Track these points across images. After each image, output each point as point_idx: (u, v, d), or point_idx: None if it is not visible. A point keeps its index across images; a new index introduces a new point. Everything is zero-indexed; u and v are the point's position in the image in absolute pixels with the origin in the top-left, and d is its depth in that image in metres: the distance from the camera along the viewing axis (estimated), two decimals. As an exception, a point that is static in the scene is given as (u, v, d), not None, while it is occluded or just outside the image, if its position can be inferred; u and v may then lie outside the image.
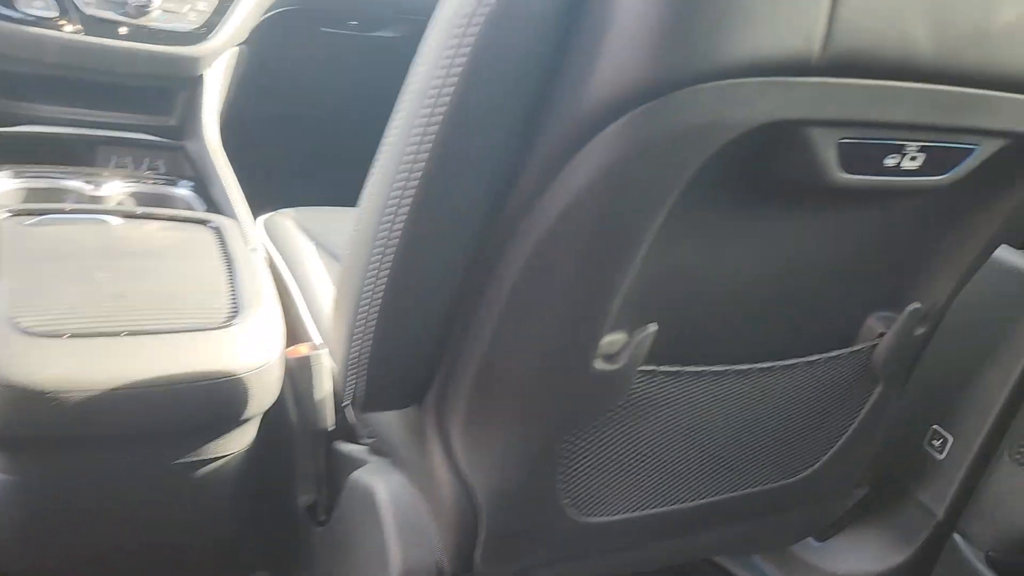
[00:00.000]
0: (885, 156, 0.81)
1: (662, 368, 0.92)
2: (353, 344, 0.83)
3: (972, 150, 0.86)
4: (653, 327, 0.85)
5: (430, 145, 0.71)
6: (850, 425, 1.17)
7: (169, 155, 1.72)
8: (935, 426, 1.37)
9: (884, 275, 1.04)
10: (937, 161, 0.85)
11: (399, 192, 0.74)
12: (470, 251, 0.79)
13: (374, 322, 0.81)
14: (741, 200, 0.84)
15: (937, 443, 1.38)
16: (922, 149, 0.82)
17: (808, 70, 0.69)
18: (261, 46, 1.84)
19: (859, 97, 0.73)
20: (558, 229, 0.74)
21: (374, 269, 0.78)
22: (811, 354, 1.04)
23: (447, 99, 0.69)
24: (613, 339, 0.87)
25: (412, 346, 0.85)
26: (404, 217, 0.74)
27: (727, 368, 0.97)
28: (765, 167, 0.80)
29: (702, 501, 1.12)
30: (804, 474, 1.18)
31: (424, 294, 0.81)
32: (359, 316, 0.81)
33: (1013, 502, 1.29)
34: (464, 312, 0.84)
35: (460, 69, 0.67)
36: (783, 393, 1.06)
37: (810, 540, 1.60)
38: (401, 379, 0.88)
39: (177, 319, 1.11)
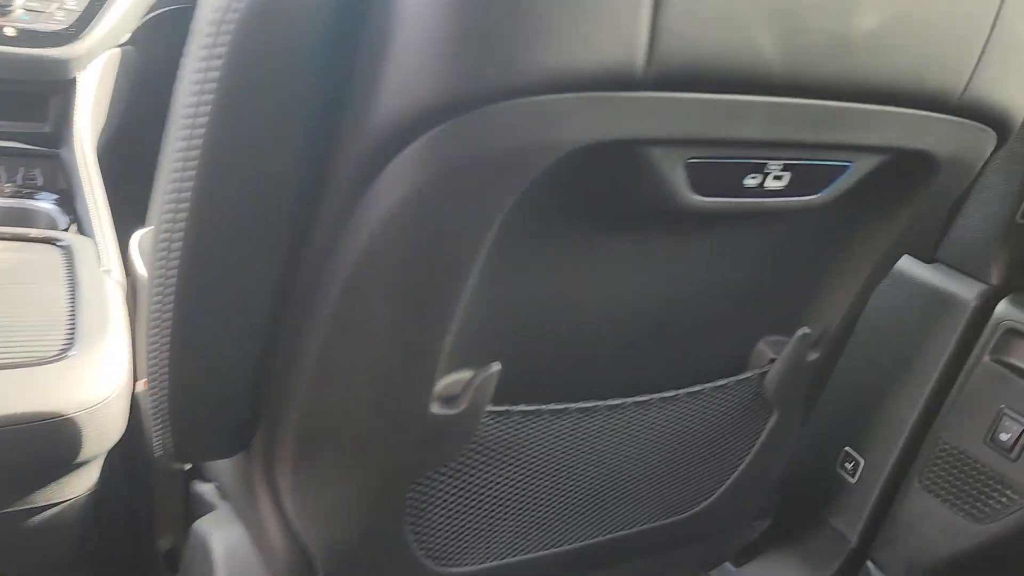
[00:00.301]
0: (744, 176, 0.73)
1: (518, 408, 0.84)
2: (152, 390, 0.73)
3: (845, 168, 0.78)
4: (496, 367, 0.77)
5: (191, 183, 0.61)
6: (745, 456, 1.09)
7: (46, 164, 1.60)
8: (847, 448, 1.31)
9: (770, 299, 0.96)
10: (806, 180, 0.77)
11: (166, 239, 0.64)
12: (272, 291, 0.70)
13: (166, 369, 0.71)
14: (596, 225, 0.76)
15: (849, 466, 1.32)
16: (787, 168, 0.75)
17: (634, 84, 0.60)
18: (151, 47, 1.73)
19: (702, 113, 0.65)
20: (366, 264, 0.65)
21: (156, 316, 0.68)
22: (694, 384, 0.96)
23: (202, 129, 0.59)
24: (454, 380, 0.78)
25: (219, 391, 0.76)
26: (176, 264, 0.64)
27: (595, 404, 0.89)
28: (610, 190, 0.71)
29: (586, 542, 1.04)
30: (699, 508, 1.11)
31: (220, 339, 0.72)
32: (151, 362, 0.71)
33: (923, 529, 1.23)
34: (282, 353, 0.75)
35: (214, 87, 0.58)
36: (666, 427, 0.98)
37: (727, 565, 1.53)
38: (214, 427, 0.79)
39: (4, 353, 1.00)
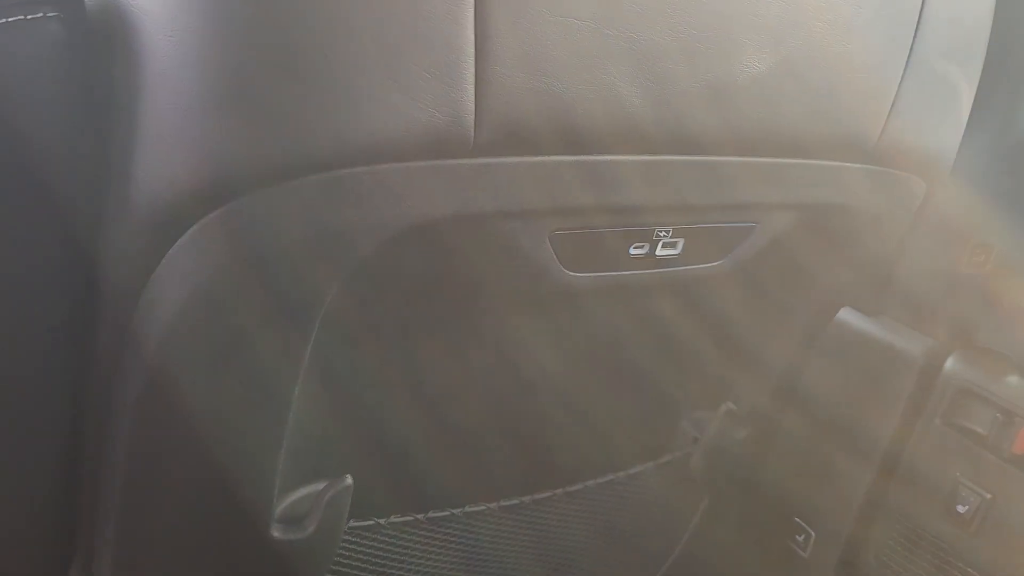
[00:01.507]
0: (628, 246, 0.63)
1: (389, 520, 0.72)
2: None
3: (750, 229, 0.68)
4: (347, 480, 0.65)
5: None
6: (675, 547, 0.98)
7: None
8: (797, 519, 1.20)
9: (688, 373, 0.85)
10: (704, 246, 0.67)
11: None
12: (66, 411, 0.58)
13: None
14: (461, 309, 0.65)
15: (800, 539, 1.21)
16: (679, 233, 0.64)
17: (464, 149, 0.50)
18: None
19: (559, 178, 0.54)
20: (158, 379, 0.54)
21: None
22: (606, 474, 0.85)
23: None
24: (300, 497, 0.66)
25: (23, 516, 0.63)
26: None
27: (486, 507, 0.77)
28: (467, 272, 0.60)
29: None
30: (629, 603, 0.99)
31: (15, 459, 0.59)
32: None
33: (882, 613, 1.12)
34: (87, 479, 0.63)
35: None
36: (575, 523, 0.86)
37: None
38: (23, 552, 0.66)
39: None
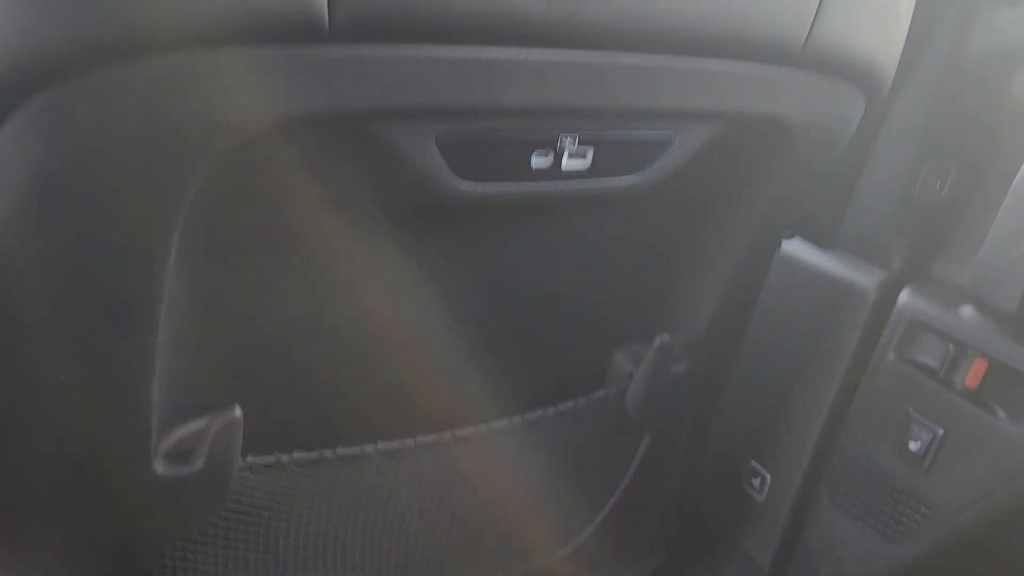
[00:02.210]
0: (530, 154, 0.58)
1: (294, 457, 0.68)
2: None
3: (668, 141, 0.63)
4: (236, 412, 0.60)
5: None
6: (617, 486, 0.94)
7: None
8: (753, 462, 1.16)
9: (619, 302, 0.81)
10: (617, 158, 0.62)
11: None
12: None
13: None
14: (353, 223, 0.60)
15: (756, 482, 1.17)
16: (586, 141, 0.59)
17: (320, 33, 0.44)
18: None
19: (439, 72, 0.49)
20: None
21: None
22: (533, 410, 0.81)
23: None
24: (187, 432, 0.62)
25: None
26: None
27: (401, 444, 0.73)
28: (351, 180, 0.55)
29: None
30: (568, 548, 0.95)
31: None
32: None
33: (835, 551, 1.09)
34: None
35: None
36: (503, 462, 0.82)
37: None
38: None
39: None
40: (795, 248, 1.05)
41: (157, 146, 0.45)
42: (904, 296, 0.98)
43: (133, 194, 0.47)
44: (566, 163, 0.59)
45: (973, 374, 0.91)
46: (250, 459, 0.65)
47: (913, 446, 0.97)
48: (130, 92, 0.43)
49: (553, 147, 0.58)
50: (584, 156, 0.60)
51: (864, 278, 1.00)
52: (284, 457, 0.67)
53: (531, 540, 0.90)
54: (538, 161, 0.58)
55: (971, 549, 0.94)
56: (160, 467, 0.60)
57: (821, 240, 1.06)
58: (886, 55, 0.69)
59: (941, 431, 0.94)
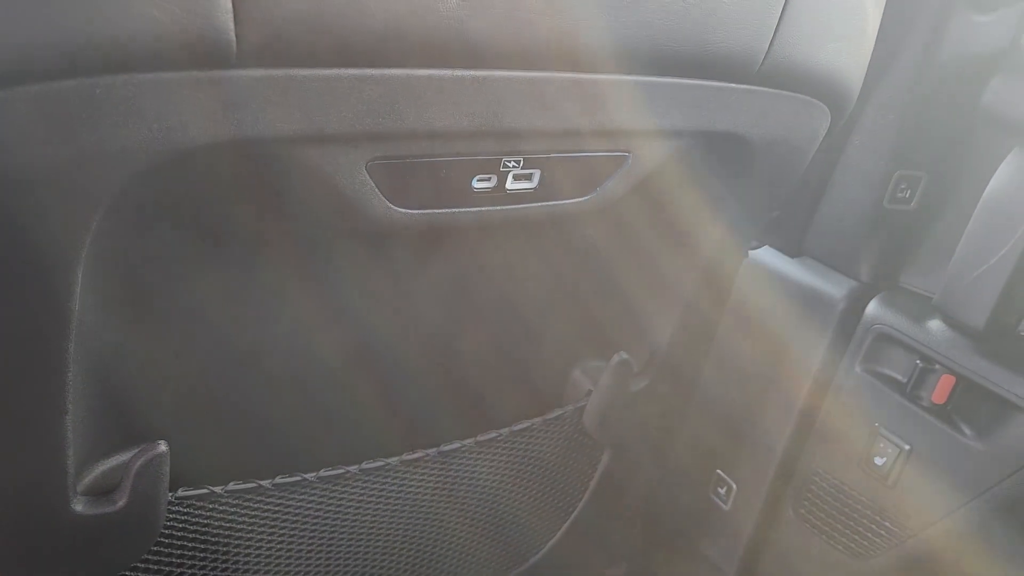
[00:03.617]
0: (471, 177, 0.54)
1: (229, 489, 0.65)
2: None
3: (622, 159, 0.60)
4: (161, 447, 0.57)
5: None
6: (577, 502, 0.92)
7: None
8: (719, 471, 1.14)
9: (577, 319, 0.78)
10: (567, 178, 0.59)
11: None
12: None
13: None
14: (280, 248, 0.57)
15: (722, 491, 1.15)
16: (532, 164, 0.56)
17: (226, 58, 0.41)
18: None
19: (367, 95, 0.46)
20: None
21: None
22: (485, 432, 0.78)
23: None
24: (110, 467, 0.58)
25: None
26: None
27: (344, 471, 0.70)
28: (277, 208, 0.52)
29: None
30: (532, 560, 0.93)
31: None
32: None
33: (799, 565, 1.07)
34: None
35: None
36: (451, 485, 0.79)
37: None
38: None
39: None
40: (762, 256, 1.03)
41: (60, 173, 0.42)
42: (872, 307, 0.95)
43: (34, 222, 0.43)
44: (510, 184, 0.56)
45: (940, 389, 0.89)
46: (180, 492, 0.62)
47: (879, 461, 0.95)
48: (32, 117, 0.39)
49: (495, 169, 0.55)
50: (530, 178, 0.57)
51: (832, 287, 0.98)
52: (218, 489, 0.64)
53: (488, 560, 0.88)
54: (479, 184, 0.55)
55: (935, 567, 0.92)
56: (80, 506, 0.57)
57: (789, 248, 1.03)
58: (851, 68, 0.66)
59: (907, 447, 0.92)
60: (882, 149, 0.92)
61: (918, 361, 0.91)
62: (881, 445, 0.94)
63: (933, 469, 0.91)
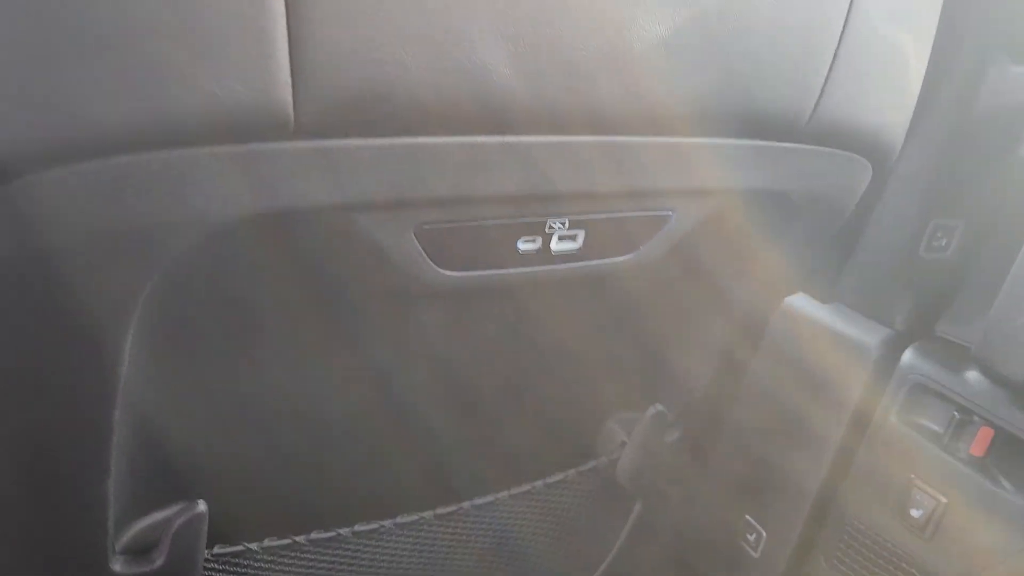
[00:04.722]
0: (516, 239, 0.54)
1: (264, 545, 0.64)
2: None
3: (666, 218, 0.60)
4: (200, 507, 0.57)
5: None
6: (607, 553, 0.91)
7: None
8: (748, 517, 1.13)
9: (612, 372, 0.77)
10: (610, 238, 0.58)
11: None
12: None
13: None
14: (323, 310, 0.56)
15: (751, 537, 1.14)
16: (577, 225, 0.56)
17: (285, 131, 0.41)
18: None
19: (417, 164, 0.46)
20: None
21: None
22: (519, 485, 0.77)
23: None
24: (148, 525, 0.58)
25: None
26: None
27: (379, 525, 0.70)
28: (327, 272, 0.52)
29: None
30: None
31: None
32: None
33: (833, 616, 1.05)
34: None
35: None
36: (487, 537, 0.78)
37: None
38: None
39: None
40: (794, 301, 1.02)
41: (114, 245, 0.42)
42: (908, 356, 0.94)
43: (87, 293, 0.43)
44: (555, 245, 0.56)
45: (979, 442, 0.87)
46: (217, 550, 0.61)
47: (915, 513, 0.93)
48: (89, 191, 0.39)
49: (540, 231, 0.54)
50: (574, 239, 0.56)
51: (866, 335, 0.97)
52: (254, 545, 0.63)
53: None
54: (525, 246, 0.54)
55: (974, 623, 0.90)
56: (118, 565, 0.56)
57: (820, 293, 1.02)
58: (895, 124, 0.66)
59: (944, 499, 0.91)
60: (918, 197, 0.92)
61: (955, 412, 0.89)
62: (917, 497, 0.93)
63: (972, 523, 0.89)
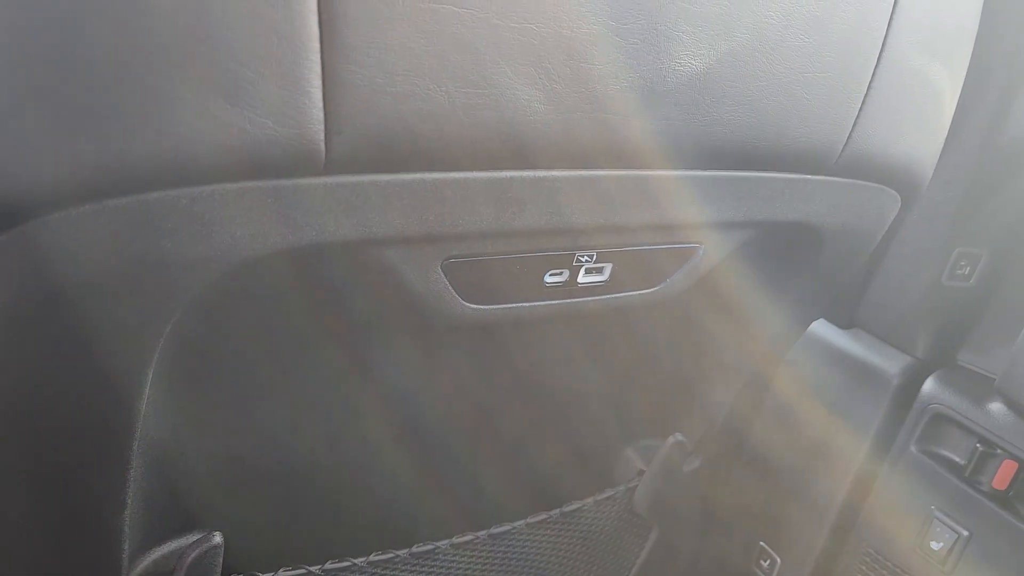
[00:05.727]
0: (543, 273, 0.53)
1: (281, 574, 0.63)
2: None
3: (694, 251, 0.59)
4: (216, 539, 0.56)
5: None
6: (623, 579, 0.89)
7: None
8: (762, 543, 1.12)
9: (631, 401, 0.76)
10: (637, 271, 0.57)
11: None
12: None
13: None
14: (350, 341, 0.55)
15: (765, 564, 1.12)
16: (605, 258, 0.55)
17: (316, 167, 0.40)
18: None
19: (444, 199, 0.45)
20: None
21: None
22: (536, 514, 0.76)
23: None
24: (166, 553, 0.57)
25: None
26: None
27: (395, 555, 0.68)
28: (346, 307, 0.51)
29: None
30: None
31: None
32: None
33: (849, 647, 1.04)
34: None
35: None
36: (502, 567, 0.77)
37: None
38: None
39: None
40: (816, 327, 1.01)
41: (139, 280, 0.41)
42: (929, 385, 0.93)
43: (110, 328, 0.42)
44: (582, 278, 0.55)
45: (1001, 475, 0.86)
46: (238, 578, 0.60)
47: (935, 545, 0.92)
48: (106, 229, 0.38)
49: (568, 264, 0.53)
50: (601, 272, 0.55)
51: (886, 362, 0.96)
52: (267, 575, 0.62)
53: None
54: (552, 279, 0.54)
55: (994, 659, 0.89)
56: (131, 598, 0.55)
57: (840, 319, 1.01)
58: (925, 157, 0.65)
59: (965, 532, 0.89)
60: (941, 225, 0.90)
61: (978, 444, 0.88)
62: (937, 529, 0.91)
63: (993, 558, 0.88)
